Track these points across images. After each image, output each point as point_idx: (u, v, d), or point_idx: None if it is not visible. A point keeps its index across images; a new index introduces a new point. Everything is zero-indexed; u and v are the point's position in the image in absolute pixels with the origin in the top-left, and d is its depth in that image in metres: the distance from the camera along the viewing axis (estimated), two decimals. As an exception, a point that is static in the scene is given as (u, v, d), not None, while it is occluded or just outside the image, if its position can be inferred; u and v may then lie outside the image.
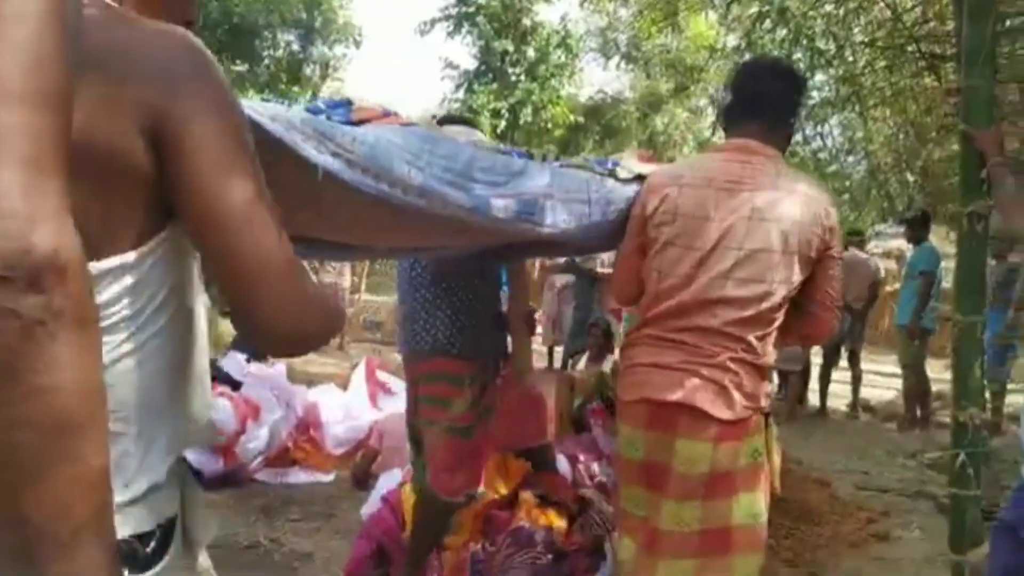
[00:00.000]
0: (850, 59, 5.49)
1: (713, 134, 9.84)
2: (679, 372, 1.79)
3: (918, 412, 5.97)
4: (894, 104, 5.63)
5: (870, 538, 3.57)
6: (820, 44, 5.98)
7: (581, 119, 15.73)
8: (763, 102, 1.91)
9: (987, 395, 2.95)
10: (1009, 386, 5.47)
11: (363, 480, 4.08)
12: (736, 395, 1.77)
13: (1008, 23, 3.49)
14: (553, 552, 2.64)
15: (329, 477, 4.38)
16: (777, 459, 1.96)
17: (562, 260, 7.11)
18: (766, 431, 1.86)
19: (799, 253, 1.81)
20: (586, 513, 2.88)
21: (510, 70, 15.25)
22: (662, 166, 2.12)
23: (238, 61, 12.90)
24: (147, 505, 0.84)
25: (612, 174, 2.02)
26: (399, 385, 4.89)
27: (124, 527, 0.78)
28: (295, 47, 14.22)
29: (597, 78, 25.86)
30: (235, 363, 4.88)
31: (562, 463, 3.28)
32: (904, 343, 5.84)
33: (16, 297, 0.56)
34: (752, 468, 1.81)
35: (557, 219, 1.82)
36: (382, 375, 5.37)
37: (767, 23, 6.39)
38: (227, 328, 8.66)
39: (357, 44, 14.49)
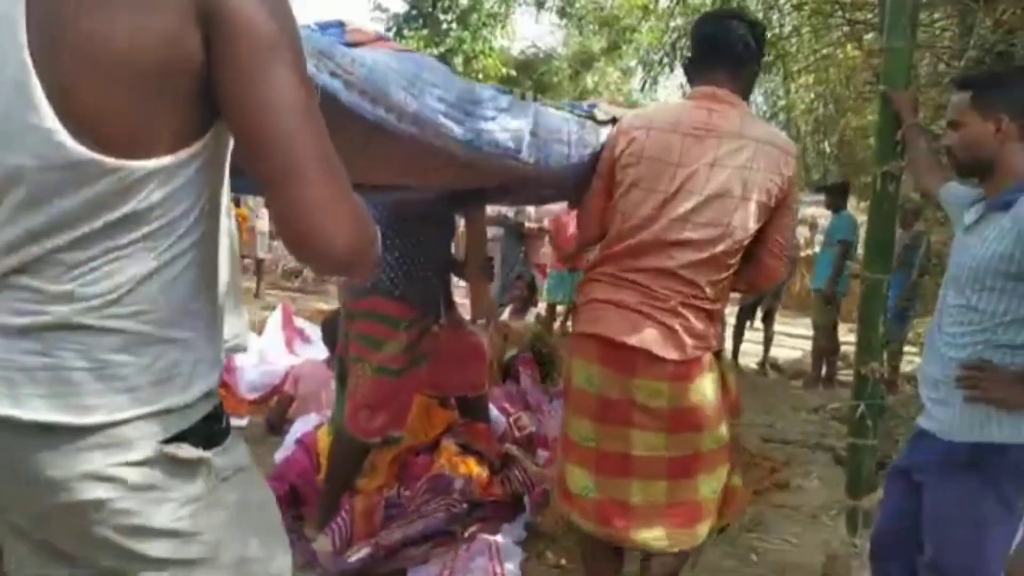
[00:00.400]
0: (777, 22, 5.57)
1: (643, 93, 9.89)
2: (633, 313, 1.87)
3: (823, 371, 6.26)
4: (817, 71, 5.76)
5: (772, 487, 3.73)
6: (751, 5, 6.04)
7: (513, 72, 15.54)
8: (727, 50, 1.96)
9: (885, 354, 3.10)
10: (906, 348, 5.79)
11: (278, 425, 3.99)
12: (686, 337, 1.87)
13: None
14: (469, 501, 2.64)
15: (243, 422, 4.26)
16: (733, 383, 2.10)
17: (493, 212, 7.08)
18: (719, 364, 2.00)
19: (757, 200, 1.88)
20: (508, 468, 2.89)
21: (441, 16, 14.87)
22: (635, 110, 2.14)
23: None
24: (206, 402, 0.90)
25: (591, 116, 2.05)
26: (316, 332, 4.78)
27: (194, 414, 0.88)
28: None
29: (530, 32, 25.66)
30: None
31: (496, 416, 3.29)
32: (819, 306, 6.08)
33: None
34: (713, 407, 1.95)
35: (540, 157, 1.83)
36: (299, 321, 5.25)
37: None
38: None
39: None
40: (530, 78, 16.42)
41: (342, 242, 0.82)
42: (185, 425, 0.87)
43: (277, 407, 4.12)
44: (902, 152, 2.50)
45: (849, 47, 5.10)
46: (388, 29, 14.95)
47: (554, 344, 4.32)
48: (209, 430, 0.90)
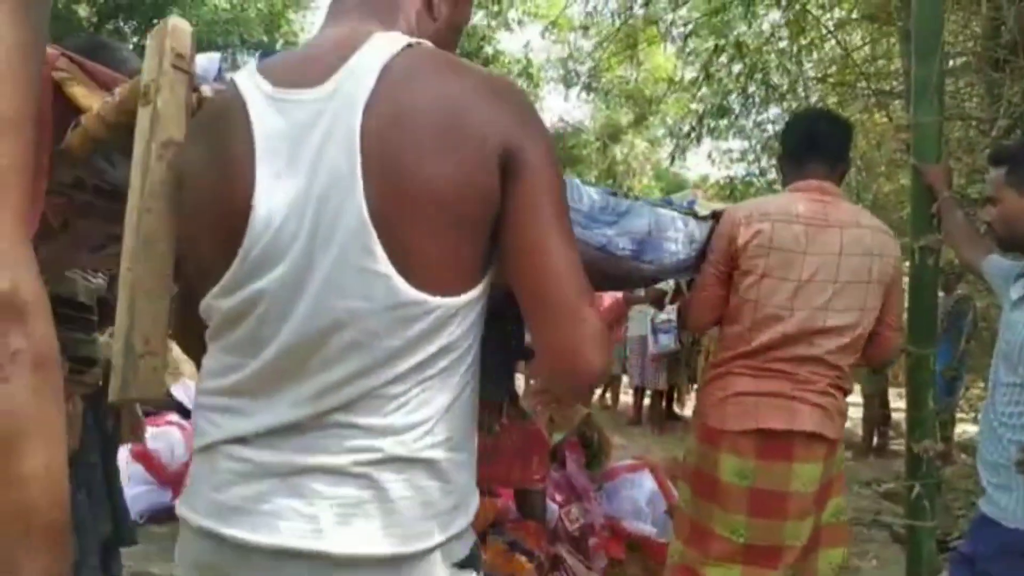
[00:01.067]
0: (802, 94, 5.65)
1: (672, 163, 10.00)
2: (787, 400, 1.96)
3: (875, 440, 6.07)
4: (846, 139, 5.81)
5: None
6: (774, 78, 6.15)
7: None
8: (823, 146, 2.11)
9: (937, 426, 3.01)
10: (958, 415, 5.60)
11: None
12: (835, 416, 2.00)
13: (952, 63, 3.63)
14: None
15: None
16: None
17: None
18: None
19: (879, 282, 2.03)
20: (558, 570, 2.81)
21: (471, 97, 15.35)
22: (737, 203, 2.25)
23: (196, 82, 12.75)
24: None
25: (692, 213, 2.12)
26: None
27: (470, 538, 0.93)
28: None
29: (558, 107, 26.24)
30: (187, 391, 4.74)
31: (548, 507, 3.22)
32: (867, 374, 5.96)
33: None
34: (839, 476, 2.08)
35: (655, 257, 1.91)
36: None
37: (723, 57, 6.55)
38: (178, 352, 8.43)
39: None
40: (559, 151, 16.75)
41: (600, 369, 0.88)
42: (466, 551, 0.92)
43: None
44: (938, 225, 2.49)
45: (876, 115, 5.14)
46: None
47: (599, 427, 4.27)
48: (474, 552, 0.94)
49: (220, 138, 0.90)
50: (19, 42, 0.59)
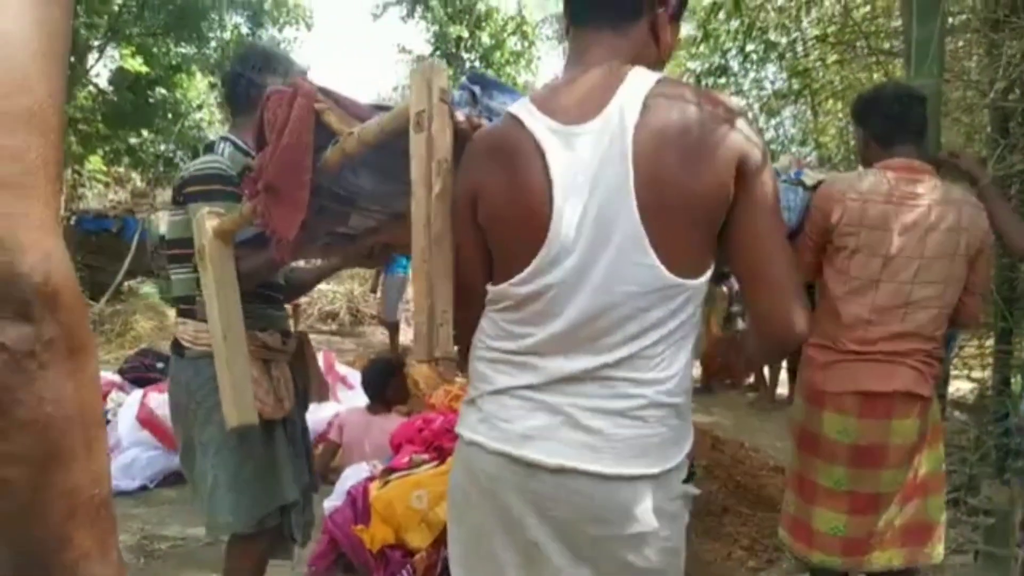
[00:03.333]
0: (802, 53, 5.60)
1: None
2: (885, 364, 2.14)
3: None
4: (845, 97, 5.77)
5: None
6: (773, 37, 6.09)
7: (536, 107, 15.75)
8: (913, 125, 2.23)
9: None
10: (952, 372, 5.67)
11: (323, 474, 4.04)
12: (928, 377, 2.15)
13: (951, 21, 3.61)
14: None
15: (289, 471, 4.33)
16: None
17: None
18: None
19: (966, 255, 2.14)
20: None
21: (465, 56, 15.15)
22: (832, 179, 2.34)
23: (183, 43, 12.51)
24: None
25: (800, 183, 2.28)
26: (358, 378, 4.85)
27: (687, 463, 1.22)
28: (244, 29, 13.85)
29: (554, 65, 25.88)
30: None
31: None
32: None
33: (3, 328, 0.55)
34: (936, 428, 2.24)
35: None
36: (341, 368, 5.32)
37: (721, 14, 6.48)
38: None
39: (308, 27, 14.18)
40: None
41: (806, 333, 1.16)
42: (686, 470, 1.22)
43: (322, 455, 4.17)
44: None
45: (876, 74, 5.11)
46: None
47: None
48: (691, 470, 1.25)
49: (518, 166, 1.17)
50: (44, 39, 0.60)
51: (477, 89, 1.40)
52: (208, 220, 1.84)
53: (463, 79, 1.43)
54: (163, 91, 12.80)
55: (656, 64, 1.23)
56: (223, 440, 2.00)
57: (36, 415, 0.57)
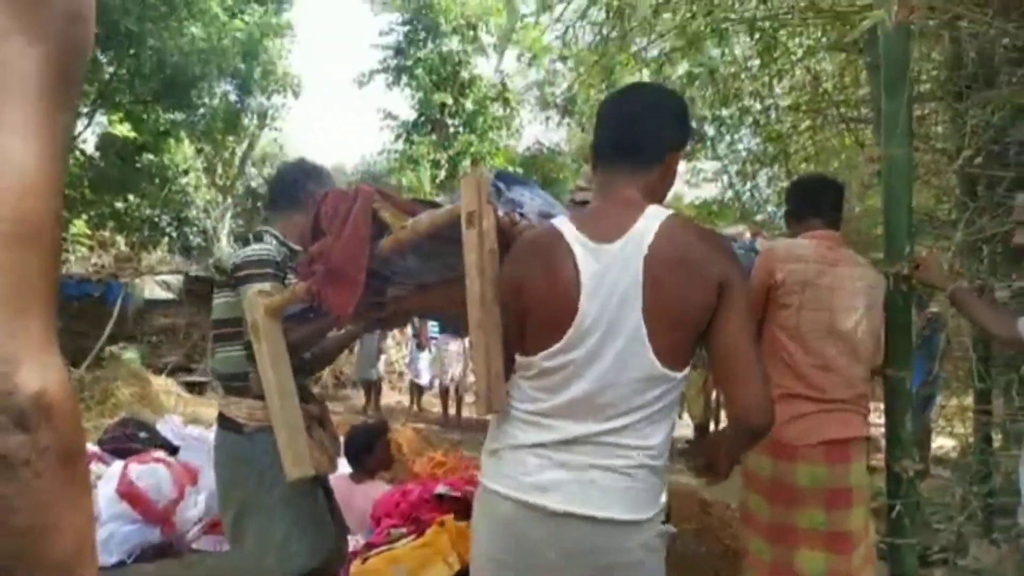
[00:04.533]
0: (775, 120, 5.79)
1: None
2: (841, 413, 2.41)
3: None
4: (818, 161, 5.94)
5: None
6: (747, 103, 6.28)
7: (520, 170, 16.00)
8: (824, 204, 2.66)
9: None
10: (934, 429, 5.71)
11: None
12: (866, 420, 2.48)
13: (918, 89, 3.76)
14: None
15: (272, 542, 4.24)
16: None
17: None
18: None
19: (878, 306, 2.50)
20: None
21: (449, 121, 15.47)
22: (772, 245, 2.68)
23: (173, 111, 12.71)
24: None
25: (754, 250, 2.58)
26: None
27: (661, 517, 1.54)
28: (232, 97, 14.11)
29: (534, 129, 26.44)
30: (172, 427, 4.73)
31: None
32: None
33: (1, 437, 0.56)
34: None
35: None
36: (325, 433, 5.25)
37: (697, 83, 6.69)
38: (162, 385, 8.36)
39: (296, 94, 14.47)
40: (536, 174, 16.89)
41: (772, 420, 1.46)
42: (663, 515, 1.54)
43: (307, 525, 4.10)
44: (911, 251, 2.59)
45: (847, 140, 5.28)
46: (398, 136, 15.55)
47: None
48: (665, 514, 1.59)
49: (556, 267, 1.49)
50: (48, 152, 0.61)
51: (502, 184, 1.73)
52: (260, 298, 2.12)
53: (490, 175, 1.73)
54: (151, 156, 12.93)
55: (662, 197, 1.60)
56: (294, 496, 2.28)
57: (29, 522, 0.57)
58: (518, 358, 1.58)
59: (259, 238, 2.39)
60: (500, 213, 1.64)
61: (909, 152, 2.71)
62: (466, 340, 8.89)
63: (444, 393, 8.83)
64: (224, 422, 2.33)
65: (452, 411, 8.85)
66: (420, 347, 8.40)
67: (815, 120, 5.20)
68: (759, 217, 11.02)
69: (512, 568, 1.52)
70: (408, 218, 1.84)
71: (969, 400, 3.82)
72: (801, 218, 2.68)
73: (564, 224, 1.54)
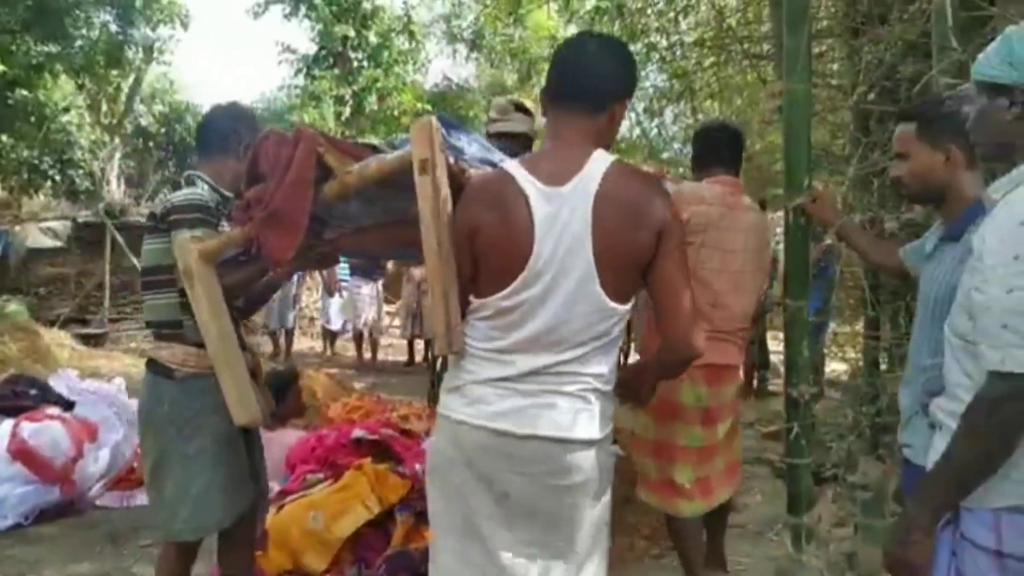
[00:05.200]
0: (681, 56, 5.83)
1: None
2: (721, 342, 2.67)
3: (755, 383, 6.49)
4: (723, 98, 6.05)
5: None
6: (654, 39, 6.30)
7: (428, 107, 15.63)
8: (726, 152, 2.85)
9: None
10: (827, 354, 6.06)
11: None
12: (742, 351, 2.89)
13: (816, 27, 3.85)
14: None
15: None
16: None
17: None
18: None
19: (767, 247, 2.91)
20: None
21: (352, 55, 14.85)
22: (680, 185, 2.91)
23: (46, 42, 11.66)
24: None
25: None
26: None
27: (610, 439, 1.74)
28: (113, 27, 13.06)
29: (441, 63, 25.81)
30: (67, 381, 4.49)
31: None
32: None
33: None
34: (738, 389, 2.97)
35: None
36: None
37: (605, 17, 6.65)
38: (54, 339, 7.90)
39: (184, 25, 13.53)
40: (444, 111, 16.56)
41: (702, 348, 1.67)
42: (611, 438, 1.73)
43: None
44: (809, 184, 2.68)
45: (749, 77, 5.38)
46: (298, 71, 14.84)
47: None
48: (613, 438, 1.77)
49: (509, 210, 1.58)
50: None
51: (444, 130, 1.71)
52: (193, 243, 2.09)
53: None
54: (24, 92, 11.89)
55: (609, 143, 1.72)
56: (215, 448, 2.24)
57: None
58: (473, 300, 1.67)
59: (191, 182, 2.35)
60: (451, 160, 1.69)
61: (808, 88, 2.77)
62: (379, 283, 8.79)
63: (358, 337, 8.72)
64: (154, 367, 2.28)
65: (367, 355, 8.76)
66: (329, 293, 8.22)
67: (719, 56, 5.26)
68: (665, 155, 11.22)
69: (477, 493, 1.63)
70: (353, 163, 1.84)
71: (860, 327, 4.05)
72: (704, 165, 2.85)
73: (515, 168, 1.62)
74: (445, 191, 1.65)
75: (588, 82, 1.66)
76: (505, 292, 1.58)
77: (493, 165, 1.85)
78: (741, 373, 2.98)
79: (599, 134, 1.67)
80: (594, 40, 1.74)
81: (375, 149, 1.91)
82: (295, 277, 7.70)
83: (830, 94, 4.22)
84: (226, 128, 2.43)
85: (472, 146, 1.86)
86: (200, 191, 2.30)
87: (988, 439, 1.30)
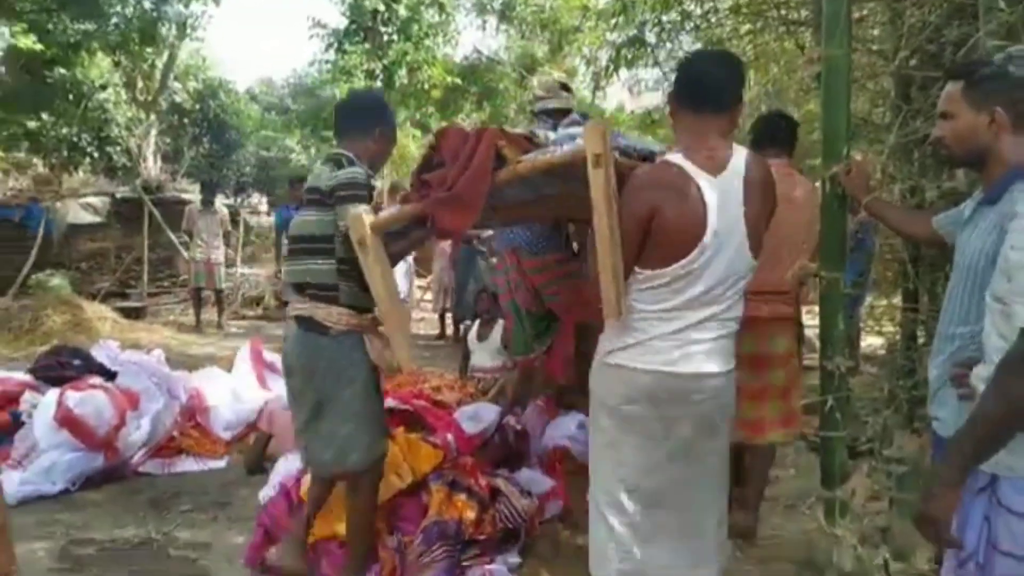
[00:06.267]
0: (716, 24, 5.70)
1: (593, 97, 9.96)
2: (770, 305, 3.12)
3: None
4: (759, 66, 5.90)
5: (750, 479, 3.83)
6: (688, 7, 6.16)
7: (459, 80, 15.53)
8: (784, 137, 3.31)
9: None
10: (863, 328, 5.96)
11: (257, 465, 3.97)
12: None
13: (858, -9, 3.73)
14: (462, 542, 2.69)
15: (221, 463, 4.24)
16: None
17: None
18: None
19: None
20: (497, 502, 2.90)
21: (382, 29, 14.79)
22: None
23: (82, 20, 11.80)
24: None
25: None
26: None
27: None
28: (147, 4, 13.17)
29: (472, 37, 25.57)
30: (108, 352, 4.60)
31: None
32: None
33: None
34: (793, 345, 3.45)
35: None
36: (268, 354, 5.19)
37: (638, -14, 6.51)
38: (96, 312, 8.10)
39: (216, 1, 13.60)
40: (475, 84, 16.44)
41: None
42: None
43: (254, 446, 4.10)
44: (848, 154, 2.61)
45: (787, 44, 5.24)
46: (329, 46, 14.83)
47: None
48: None
49: (686, 195, 1.98)
50: None
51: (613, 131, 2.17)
52: (366, 217, 2.40)
53: (574, 116, 2.21)
54: (62, 71, 12.08)
55: (732, 132, 2.15)
56: (364, 396, 2.57)
57: None
58: (641, 271, 2.06)
59: (337, 161, 2.61)
60: (617, 155, 2.06)
61: (848, 54, 2.70)
62: (411, 258, 8.84)
63: None
64: (310, 325, 2.55)
65: None
66: None
67: (755, 23, 5.13)
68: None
69: (653, 421, 2.07)
70: (522, 153, 2.23)
71: (897, 300, 3.97)
72: (761, 147, 3.08)
73: (681, 160, 2.02)
74: (614, 182, 1.99)
75: (719, 91, 2.08)
76: (683, 262, 1.99)
77: (649, 156, 2.25)
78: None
79: (727, 131, 2.11)
80: (714, 56, 2.32)
81: (529, 139, 2.31)
82: None
83: (870, 60, 4.10)
84: (365, 113, 2.75)
85: (637, 144, 2.31)
86: (359, 170, 2.56)
87: (1018, 397, 1.27)
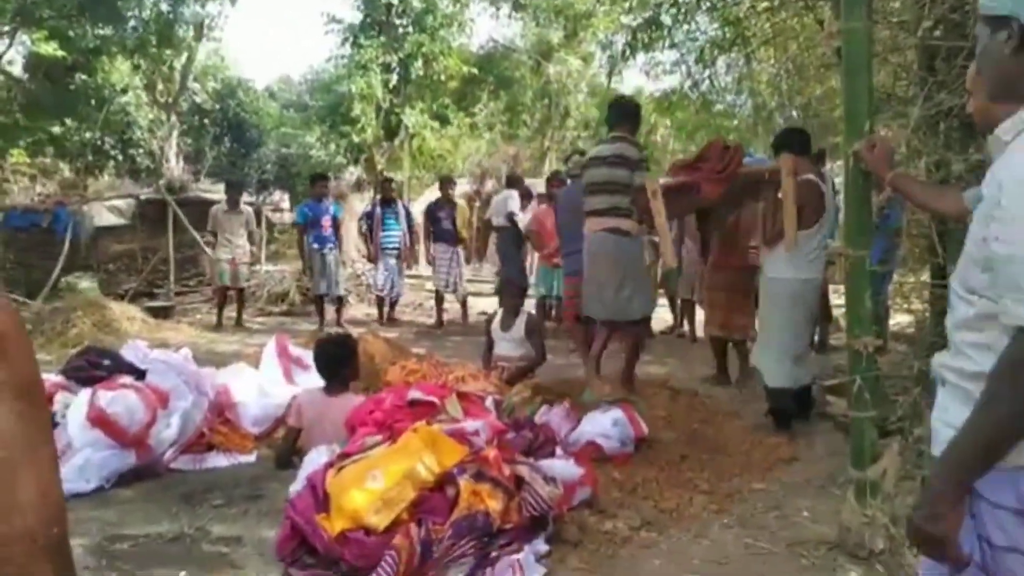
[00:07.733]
0: (732, 3, 5.62)
1: (609, 82, 9.89)
2: None
3: (816, 338, 6.34)
4: (777, 44, 5.82)
5: (779, 462, 3.81)
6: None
7: (475, 71, 15.50)
8: (797, 145, 4.29)
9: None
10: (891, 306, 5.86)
11: (287, 459, 4.00)
12: None
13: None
14: (490, 534, 2.69)
15: (251, 458, 4.28)
16: None
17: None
18: None
19: None
20: (523, 490, 2.90)
21: (397, 22, 14.79)
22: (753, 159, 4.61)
23: (102, 25, 11.93)
24: None
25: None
26: (311, 358, 4.78)
27: None
28: (164, 7, 13.29)
29: (487, 26, 25.47)
30: (137, 351, 4.66)
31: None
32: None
33: None
34: None
35: None
36: (294, 349, 5.23)
37: (652, -33, 6.44)
38: (123, 312, 8.23)
39: (232, 1, 13.70)
40: (492, 73, 16.40)
41: None
42: None
43: (284, 441, 4.13)
44: (871, 129, 2.56)
45: (806, 20, 5.16)
46: (344, 40, 14.86)
47: None
48: None
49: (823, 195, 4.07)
50: None
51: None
52: (651, 178, 4.41)
53: (754, 156, 4.10)
54: (83, 76, 12.25)
55: None
56: (642, 273, 4.84)
57: None
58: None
59: (627, 140, 4.57)
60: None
61: (869, 27, 2.65)
62: (459, 248, 8.93)
63: (439, 299, 8.94)
64: (616, 232, 4.48)
65: (446, 316, 9.02)
66: (371, 261, 9.04)
67: (773, 1, 5.06)
68: (719, 107, 10.91)
69: None
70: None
71: (925, 277, 3.91)
72: (779, 152, 4.18)
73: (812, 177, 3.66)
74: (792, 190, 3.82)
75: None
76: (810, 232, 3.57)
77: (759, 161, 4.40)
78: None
79: None
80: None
81: (725, 148, 4.36)
82: (335, 248, 8.53)
83: (892, 33, 4.01)
84: (633, 110, 4.79)
85: (754, 158, 4.25)
86: (637, 150, 4.50)
87: (1016, 403, 1.18)
